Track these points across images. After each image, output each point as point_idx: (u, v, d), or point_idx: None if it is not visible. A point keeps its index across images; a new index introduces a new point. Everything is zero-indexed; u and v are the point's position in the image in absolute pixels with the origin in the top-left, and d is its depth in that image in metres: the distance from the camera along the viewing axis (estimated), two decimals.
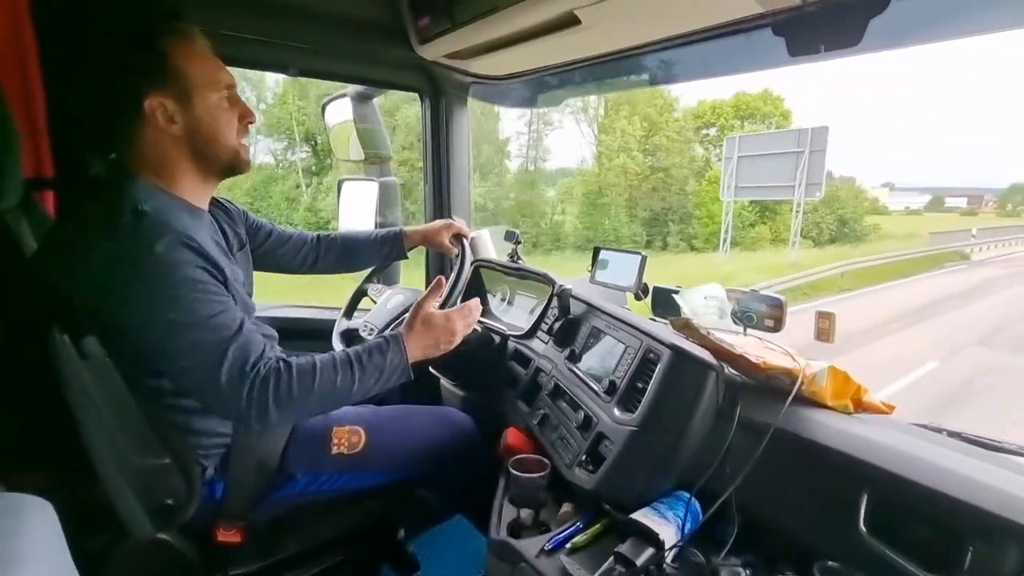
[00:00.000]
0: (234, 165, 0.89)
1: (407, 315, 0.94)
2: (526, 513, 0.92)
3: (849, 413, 0.86)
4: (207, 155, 0.85)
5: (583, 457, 0.91)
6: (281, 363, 0.78)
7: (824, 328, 1.03)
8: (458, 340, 0.95)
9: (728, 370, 0.89)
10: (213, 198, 0.97)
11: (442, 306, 1.09)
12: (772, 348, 0.95)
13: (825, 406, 0.85)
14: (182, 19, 0.89)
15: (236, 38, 1.21)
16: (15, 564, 0.50)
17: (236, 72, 0.93)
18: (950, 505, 0.62)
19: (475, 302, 0.99)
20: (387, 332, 0.89)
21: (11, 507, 0.64)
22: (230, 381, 0.74)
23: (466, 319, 0.96)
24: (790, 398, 0.79)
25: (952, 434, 0.85)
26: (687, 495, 0.81)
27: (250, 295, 1.01)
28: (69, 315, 0.75)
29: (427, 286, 1.71)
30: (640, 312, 1.19)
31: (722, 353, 0.88)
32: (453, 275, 1.14)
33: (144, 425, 0.78)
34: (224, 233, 0.98)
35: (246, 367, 0.75)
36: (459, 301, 1.15)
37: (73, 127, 1.03)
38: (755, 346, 0.94)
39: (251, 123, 0.90)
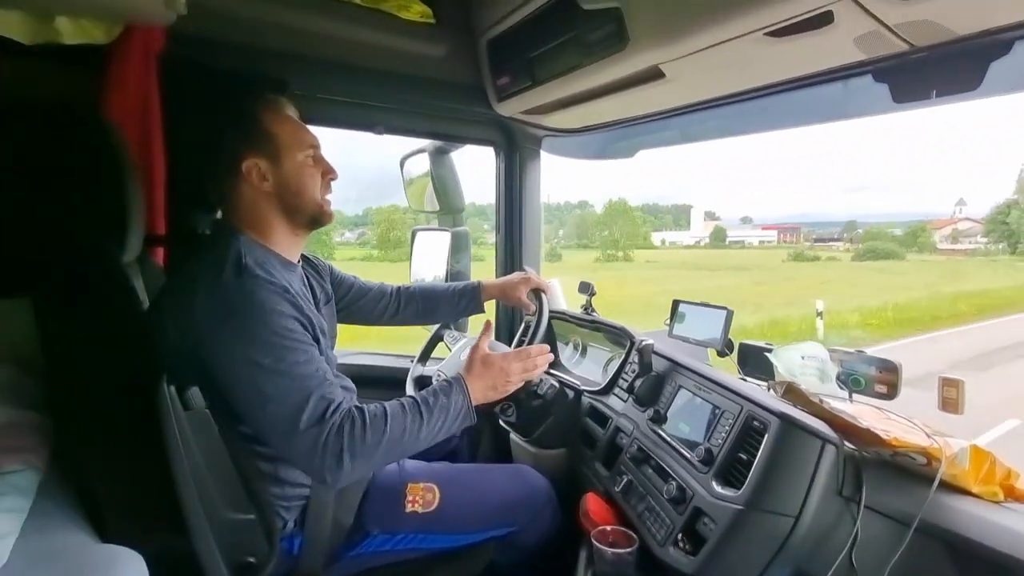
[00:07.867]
0: (318, 217, 0.94)
1: (466, 359, 0.93)
2: None
3: (998, 502, 0.74)
4: (294, 209, 0.92)
5: (678, 535, 0.83)
6: (355, 410, 0.80)
7: (951, 397, 0.92)
8: (514, 385, 0.93)
9: (846, 444, 0.79)
10: (302, 254, 1.02)
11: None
12: (892, 419, 0.85)
13: (968, 492, 0.73)
14: (287, 89, 0.98)
15: (330, 101, 1.31)
16: None
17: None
18: None
19: (541, 348, 0.97)
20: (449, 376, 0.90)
21: (105, 560, 0.64)
22: (308, 428, 0.76)
23: (524, 362, 0.93)
24: (935, 483, 0.68)
25: None
26: None
27: (332, 348, 1.02)
28: (176, 366, 0.78)
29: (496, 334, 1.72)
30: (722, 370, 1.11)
31: (840, 424, 0.79)
32: (528, 332, 1.11)
33: (235, 477, 0.79)
34: (312, 288, 1.01)
35: (326, 414, 0.77)
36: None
37: (182, 187, 1.12)
38: (873, 416, 0.84)
39: (333, 179, 0.96)
